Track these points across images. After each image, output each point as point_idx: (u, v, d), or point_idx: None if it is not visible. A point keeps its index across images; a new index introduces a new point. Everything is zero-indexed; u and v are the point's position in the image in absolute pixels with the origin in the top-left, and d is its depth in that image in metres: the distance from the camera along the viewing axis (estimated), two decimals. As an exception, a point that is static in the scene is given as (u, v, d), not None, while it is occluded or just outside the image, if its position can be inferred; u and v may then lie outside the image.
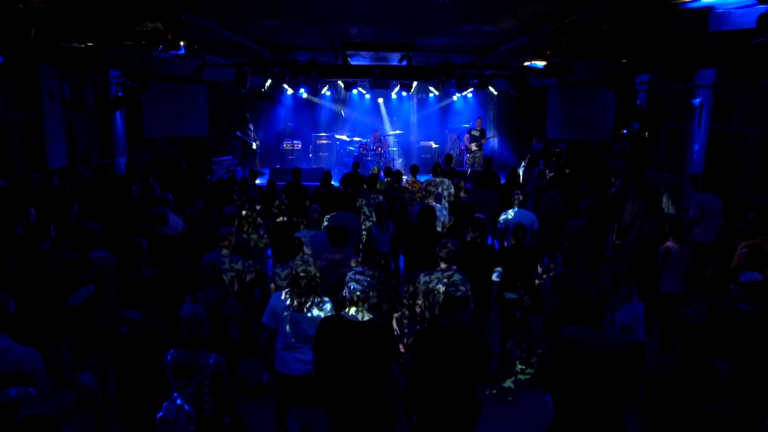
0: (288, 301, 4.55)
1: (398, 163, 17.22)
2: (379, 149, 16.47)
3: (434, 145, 18.37)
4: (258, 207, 9.20)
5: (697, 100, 10.84)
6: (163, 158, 13.18)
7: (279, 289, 5.56)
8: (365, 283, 3.88)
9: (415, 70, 10.58)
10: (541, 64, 7.07)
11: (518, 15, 5.94)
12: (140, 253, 5.57)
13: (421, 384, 3.88)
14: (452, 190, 10.24)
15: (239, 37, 8.15)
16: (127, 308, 4.65)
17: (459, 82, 11.77)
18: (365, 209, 8.89)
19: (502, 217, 8.10)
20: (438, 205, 8.33)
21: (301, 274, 4.54)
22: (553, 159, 15.81)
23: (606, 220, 7.79)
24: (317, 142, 18.09)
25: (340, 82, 17.51)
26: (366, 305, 3.88)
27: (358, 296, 3.84)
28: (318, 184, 10.63)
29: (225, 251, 5.88)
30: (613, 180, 12.80)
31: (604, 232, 7.49)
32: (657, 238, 8.80)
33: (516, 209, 8.11)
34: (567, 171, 12.49)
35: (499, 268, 6.43)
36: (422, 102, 19.53)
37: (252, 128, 16.10)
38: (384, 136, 17.26)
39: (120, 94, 12.18)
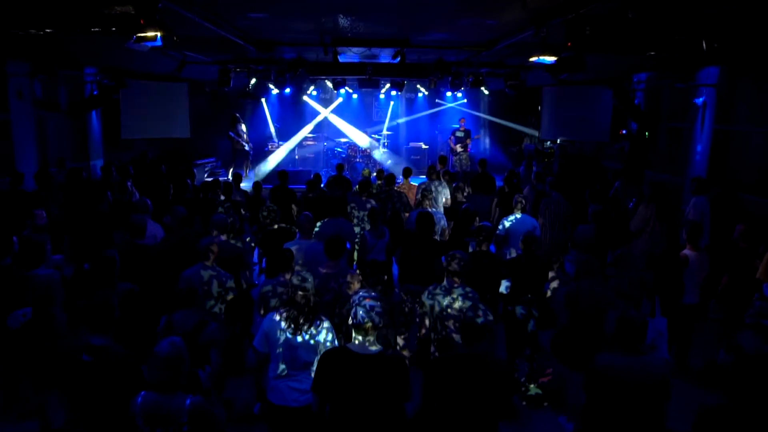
0: (283, 323, 4.00)
1: (387, 165, 16.70)
2: (368, 151, 15.93)
3: (424, 146, 17.88)
4: (243, 212, 8.63)
5: (700, 99, 10.46)
6: (141, 161, 12.53)
7: (267, 306, 5.02)
8: (376, 310, 3.34)
9: (410, 67, 10.06)
10: (550, 59, 6.58)
11: (527, 5, 5.43)
12: (111, 268, 4.98)
13: (435, 423, 3.36)
14: (448, 194, 9.76)
15: (223, 31, 7.56)
16: (93, 333, 4.09)
17: (453, 80, 11.26)
18: (356, 214, 8.35)
19: (502, 223, 7.61)
20: (436, 210, 7.82)
21: (299, 292, 4.01)
22: (545, 160, 15.42)
23: (616, 226, 7.32)
24: (303, 143, 17.50)
25: (327, 82, 16.97)
26: (376, 334, 3.34)
27: (369, 326, 3.30)
28: (304, 187, 10.09)
29: (208, 265, 5.32)
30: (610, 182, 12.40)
31: (614, 239, 7.01)
32: (667, 244, 8.41)
33: (519, 215, 7.61)
34: (563, 173, 12.07)
35: (507, 281, 5.93)
36: (411, 102, 19.03)
37: (244, 129, 15.44)
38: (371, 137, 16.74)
39: (95, 92, 11.51)
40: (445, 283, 4.92)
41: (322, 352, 3.97)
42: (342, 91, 18.00)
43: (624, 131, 12.03)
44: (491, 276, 5.76)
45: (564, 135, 14.71)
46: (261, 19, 7.41)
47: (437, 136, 18.28)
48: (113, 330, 3.92)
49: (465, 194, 9.05)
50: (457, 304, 4.67)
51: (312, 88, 17.37)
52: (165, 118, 13.86)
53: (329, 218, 7.40)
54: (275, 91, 17.17)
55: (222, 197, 8.97)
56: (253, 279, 6.65)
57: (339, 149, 16.71)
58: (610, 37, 5.18)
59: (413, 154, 17.73)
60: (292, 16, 7.27)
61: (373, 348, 3.32)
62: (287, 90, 17.00)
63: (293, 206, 9.55)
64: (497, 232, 7.56)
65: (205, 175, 15.89)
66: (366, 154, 15.82)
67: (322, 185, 10.21)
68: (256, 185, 10.10)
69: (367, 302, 3.36)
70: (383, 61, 11.37)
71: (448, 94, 17.95)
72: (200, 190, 8.95)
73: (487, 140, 18.62)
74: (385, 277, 4.65)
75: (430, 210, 7.73)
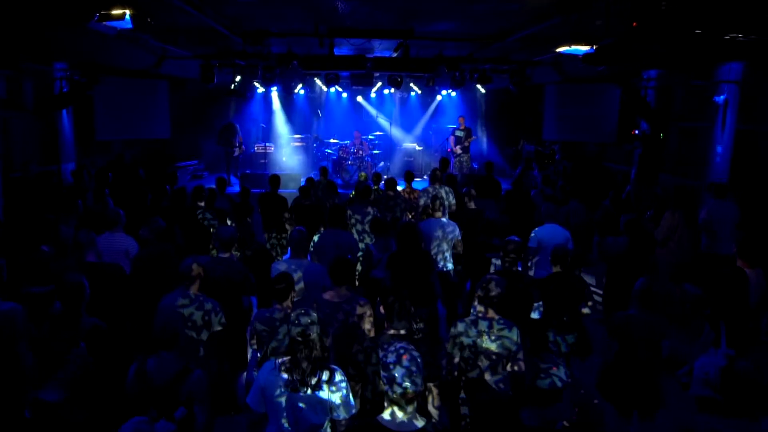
0: (285, 376, 3.15)
1: (380, 167, 15.86)
2: (360, 152, 15.07)
3: (418, 147, 17.07)
4: (230, 222, 7.73)
5: (721, 97, 9.75)
6: (117, 164, 11.56)
7: (262, 342, 4.16)
8: (417, 367, 2.50)
9: (414, 62, 9.23)
10: (584, 49, 5.79)
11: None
12: (78, 297, 4.07)
13: None
14: (452, 200, 8.95)
15: (207, 18, 6.67)
16: (47, 382, 3.22)
17: (459, 76, 10.40)
18: (356, 224, 7.49)
19: (534, 235, 6.78)
20: (448, 221, 6.98)
21: (298, 338, 3.16)
22: (546, 162, 14.69)
23: (650, 238, 6.56)
24: (292, 144, 16.59)
25: (317, 80, 16.10)
26: (416, 404, 2.48)
27: (411, 394, 2.45)
28: (294, 191, 9.19)
29: (192, 293, 4.43)
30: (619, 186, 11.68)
31: (648, 252, 6.24)
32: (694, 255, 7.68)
33: (550, 224, 6.80)
34: (574, 177, 11.33)
35: (539, 304, 5.11)
36: (404, 101, 18.21)
37: (240, 140, 14.51)
38: (365, 138, 15.87)
39: (65, 89, 10.53)
40: (475, 313, 4.10)
41: (335, 414, 3.13)
42: (332, 90, 17.26)
43: (636, 131, 11.30)
44: (522, 300, 4.95)
45: (568, 136, 13.97)
46: (250, 5, 6.53)
47: (431, 136, 17.46)
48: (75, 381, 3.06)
49: (472, 203, 8.21)
50: (494, 345, 3.87)
51: (300, 86, 16.47)
52: (143, 118, 12.88)
53: (328, 229, 6.55)
54: (261, 89, 16.34)
55: (203, 204, 8.07)
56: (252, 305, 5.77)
57: (329, 150, 15.82)
58: (691, 15, 4.35)
59: (406, 156, 16.90)
60: (284, 2, 6.41)
61: (418, 423, 2.47)
62: (274, 88, 16.25)
63: (285, 215, 8.68)
64: (529, 244, 6.75)
65: (188, 178, 14.94)
66: (358, 156, 14.94)
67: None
68: (244, 191, 9.19)
69: (406, 359, 2.51)
70: (379, 55, 10.53)
71: (443, 92, 17.18)
72: (180, 197, 8.02)
73: (485, 141, 17.84)
74: (419, 321, 3.82)
75: (443, 219, 6.91)
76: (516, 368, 3.97)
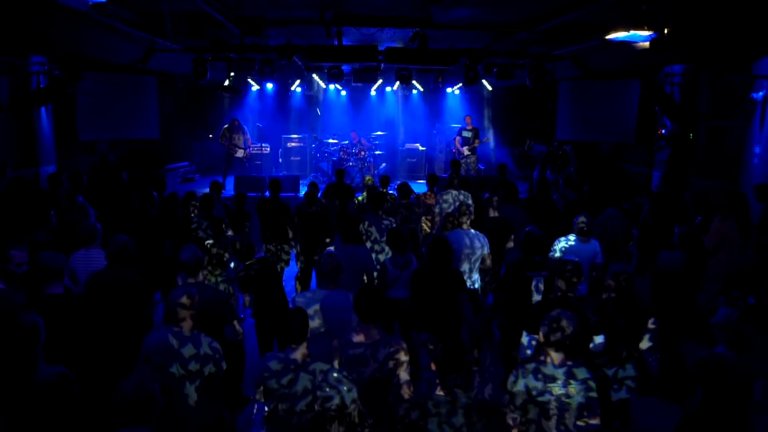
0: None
1: (381, 169, 15.02)
2: (362, 153, 14.22)
3: (421, 148, 16.24)
4: (229, 233, 6.88)
5: (760, 93, 8.99)
6: (102, 166, 10.66)
7: (272, 395, 3.31)
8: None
9: (433, 54, 8.33)
10: (646, 34, 4.98)
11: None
12: (32, 342, 3.22)
13: None
14: (471, 207, 8.13)
15: (201, 2, 5.80)
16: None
17: (480, 70, 9.53)
18: (371, 236, 6.64)
19: (556, 248, 5.99)
20: (477, 232, 6.16)
21: (331, 412, 2.34)
22: (559, 162, 13.90)
23: (705, 251, 5.76)
24: (288, 144, 15.71)
25: (315, 76, 15.25)
26: None
27: None
28: (292, 195, 8.30)
29: (186, 333, 3.57)
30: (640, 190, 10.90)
31: (703, 266, 5.46)
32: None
33: (574, 238, 6.01)
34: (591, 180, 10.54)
35: (600, 336, 4.29)
36: (406, 99, 17.37)
37: (244, 140, 13.49)
38: (364, 138, 15.01)
39: (44, 85, 9.61)
40: (541, 359, 3.29)
41: None
42: (332, 87, 16.41)
43: (663, 131, 10.52)
44: (584, 332, 4.13)
45: (582, 135, 13.18)
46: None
47: (435, 136, 16.62)
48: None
49: (496, 211, 7.37)
50: (574, 396, 3.06)
51: (297, 83, 15.59)
52: (130, 117, 11.96)
53: (340, 243, 5.71)
54: (255, 87, 15.45)
55: (198, 212, 7.20)
56: (242, 333, 4.91)
57: (328, 151, 14.94)
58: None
59: (409, 157, 16.06)
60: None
61: None
62: (270, 85, 15.39)
63: (287, 224, 7.83)
64: (549, 255, 5.95)
65: (178, 181, 14.03)
66: (360, 157, 14.09)
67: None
68: (239, 197, 8.34)
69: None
70: (384, 46, 9.63)
71: (447, 90, 16.39)
72: (170, 204, 7.15)
73: (492, 141, 17.01)
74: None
75: (471, 230, 6.09)
76: (594, 422, 3.21)
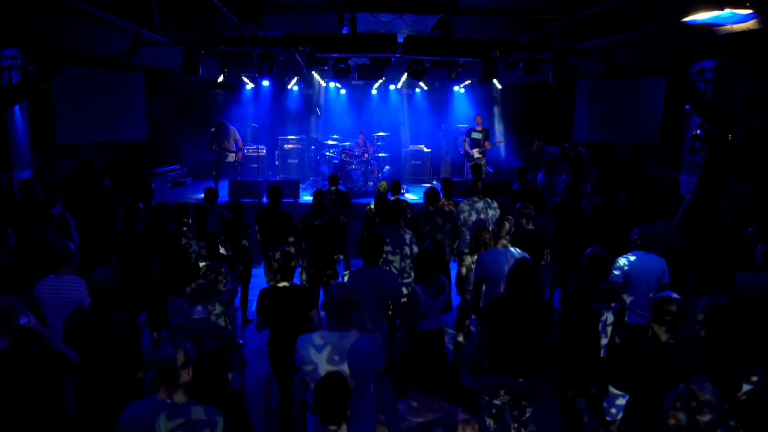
0: None
1: (386, 172, 14.12)
2: (366, 155, 13.30)
3: (425, 149, 15.35)
4: (222, 250, 5.94)
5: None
6: (83, 171, 9.68)
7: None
8: None
9: (461, 43, 7.32)
10: (744, 13, 4.11)
11: None
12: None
13: None
14: (512, 221, 7.25)
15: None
16: None
17: (497, 64, 8.64)
18: (390, 255, 5.71)
19: (619, 266, 5.11)
20: (517, 250, 5.26)
21: None
22: (577, 166, 13.05)
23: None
24: (284, 146, 14.75)
25: (314, 73, 14.32)
26: None
27: None
28: (291, 201, 7.35)
29: (178, 400, 2.67)
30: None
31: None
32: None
33: (643, 252, 5.14)
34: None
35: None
36: (409, 98, 16.49)
37: (235, 143, 12.51)
38: (369, 139, 14.11)
39: (17, 81, 8.62)
40: None
41: None
42: (332, 85, 15.53)
43: (699, 131, 9.69)
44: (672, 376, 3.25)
45: (602, 136, 12.35)
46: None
47: (441, 137, 15.71)
48: None
49: (530, 223, 6.46)
50: None
51: (295, 80, 14.67)
52: (115, 117, 10.98)
53: (361, 268, 4.79)
54: (250, 85, 14.51)
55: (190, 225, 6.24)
56: (244, 383, 4.00)
57: (329, 153, 14.01)
58: None
59: (413, 159, 15.14)
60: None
61: None
62: (266, 83, 14.46)
63: (291, 239, 6.91)
64: (612, 278, 5.07)
65: (168, 186, 13.04)
66: (363, 160, 13.16)
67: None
68: (235, 206, 7.38)
69: None
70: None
71: (455, 89, 15.54)
72: (159, 217, 6.19)
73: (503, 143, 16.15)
74: None
75: (512, 249, 5.20)
76: None
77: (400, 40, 7.15)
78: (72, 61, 9.49)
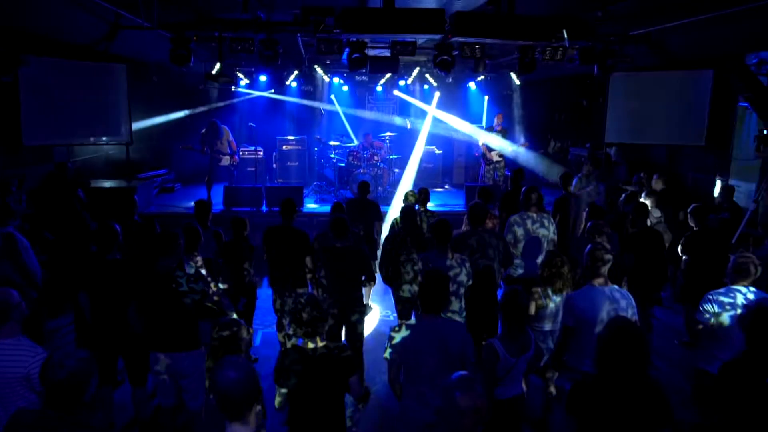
0: None
1: (395, 176, 12.81)
2: (375, 158, 12.00)
3: (437, 151, 14.07)
4: (221, 286, 4.59)
5: None
6: (55, 180, 8.30)
7: None
8: None
9: (526, 24, 5.89)
10: None
11: None
12: None
13: None
14: (554, 235, 5.99)
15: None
16: None
17: (535, 54, 7.32)
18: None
19: (712, 305, 3.87)
20: (616, 288, 3.98)
21: None
22: (607, 171, 11.85)
23: None
24: (283, 147, 13.40)
25: (318, 68, 12.98)
26: None
27: None
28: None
29: None
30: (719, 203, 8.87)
31: None
32: None
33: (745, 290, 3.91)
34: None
35: None
36: (420, 95, 15.21)
37: (227, 144, 11.15)
38: (378, 140, 12.82)
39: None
40: None
41: None
42: (336, 80, 14.22)
43: (765, 131, 8.48)
44: None
45: (640, 137, 11.12)
46: None
47: (454, 138, 14.40)
48: None
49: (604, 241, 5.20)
50: None
51: (295, 74, 13.32)
52: (92, 115, 9.61)
53: (422, 319, 3.50)
54: (245, 81, 13.16)
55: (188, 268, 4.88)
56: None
57: (333, 155, 12.66)
58: None
59: (425, 162, 13.83)
60: None
61: None
62: (263, 78, 13.14)
63: (308, 263, 5.59)
64: (700, 316, 3.84)
65: (155, 192, 11.64)
66: (373, 163, 11.84)
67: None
68: (236, 223, 5.99)
69: None
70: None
71: (471, 85, 14.32)
72: (142, 242, 4.83)
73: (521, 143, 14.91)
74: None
75: (608, 288, 3.93)
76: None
77: (456, 13, 5.70)
78: (39, 48, 8.10)
